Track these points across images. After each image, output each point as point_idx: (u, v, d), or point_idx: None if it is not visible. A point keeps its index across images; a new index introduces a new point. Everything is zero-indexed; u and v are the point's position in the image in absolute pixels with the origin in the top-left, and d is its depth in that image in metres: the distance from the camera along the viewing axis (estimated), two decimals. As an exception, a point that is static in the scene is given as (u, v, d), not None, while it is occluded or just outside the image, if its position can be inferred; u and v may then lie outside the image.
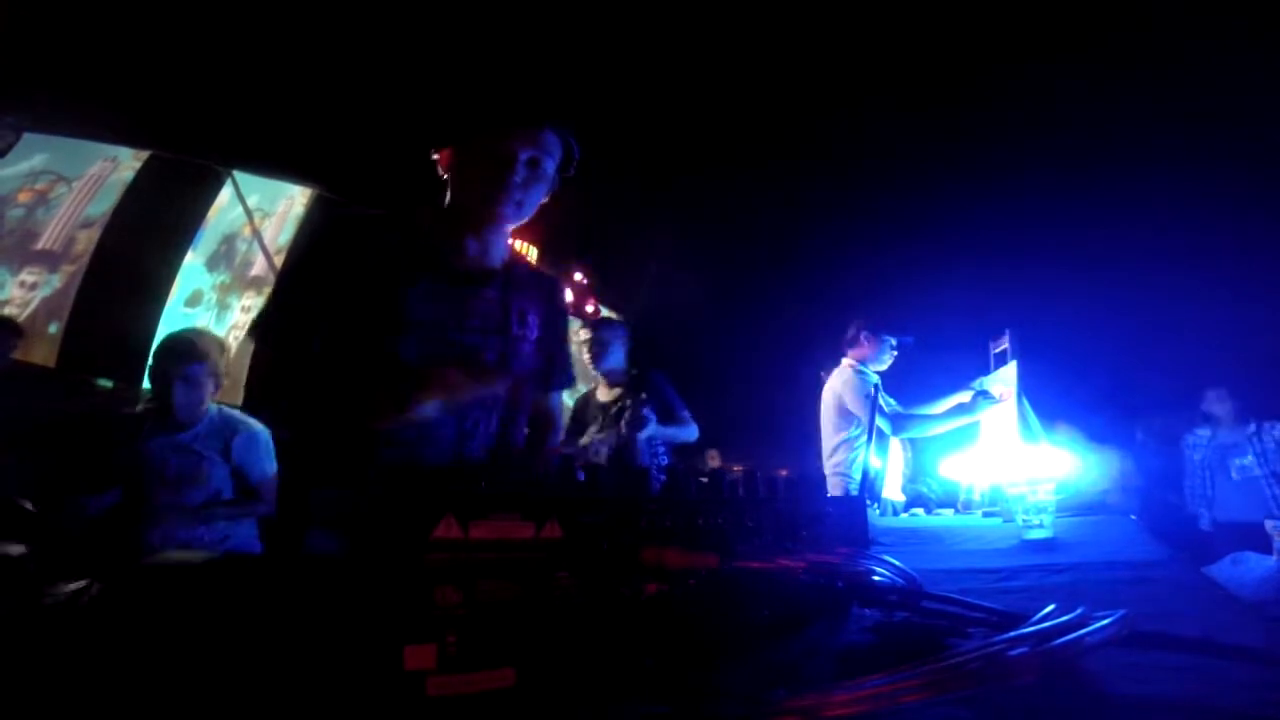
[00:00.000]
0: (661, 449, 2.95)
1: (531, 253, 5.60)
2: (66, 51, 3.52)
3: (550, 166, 1.33)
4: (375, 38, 3.94)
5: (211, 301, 5.62)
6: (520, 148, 1.28)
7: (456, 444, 1.30)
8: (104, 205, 5.03)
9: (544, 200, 1.37)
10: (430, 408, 1.18)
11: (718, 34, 4.02)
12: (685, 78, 4.27)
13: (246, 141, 4.67)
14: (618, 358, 3.04)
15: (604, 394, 3.05)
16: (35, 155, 4.83)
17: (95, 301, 4.70)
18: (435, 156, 1.35)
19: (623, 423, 2.79)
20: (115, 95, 3.90)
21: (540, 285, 1.47)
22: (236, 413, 2.41)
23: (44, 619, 0.72)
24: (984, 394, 2.79)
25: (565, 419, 2.77)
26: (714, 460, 5.51)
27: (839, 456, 2.99)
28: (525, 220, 1.36)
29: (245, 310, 5.92)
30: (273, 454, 2.39)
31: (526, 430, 1.46)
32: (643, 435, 2.81)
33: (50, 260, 4.95)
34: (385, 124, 4.19)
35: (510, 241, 1.48)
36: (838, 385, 3.05)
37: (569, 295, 5.95)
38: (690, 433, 3.00)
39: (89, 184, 5.06)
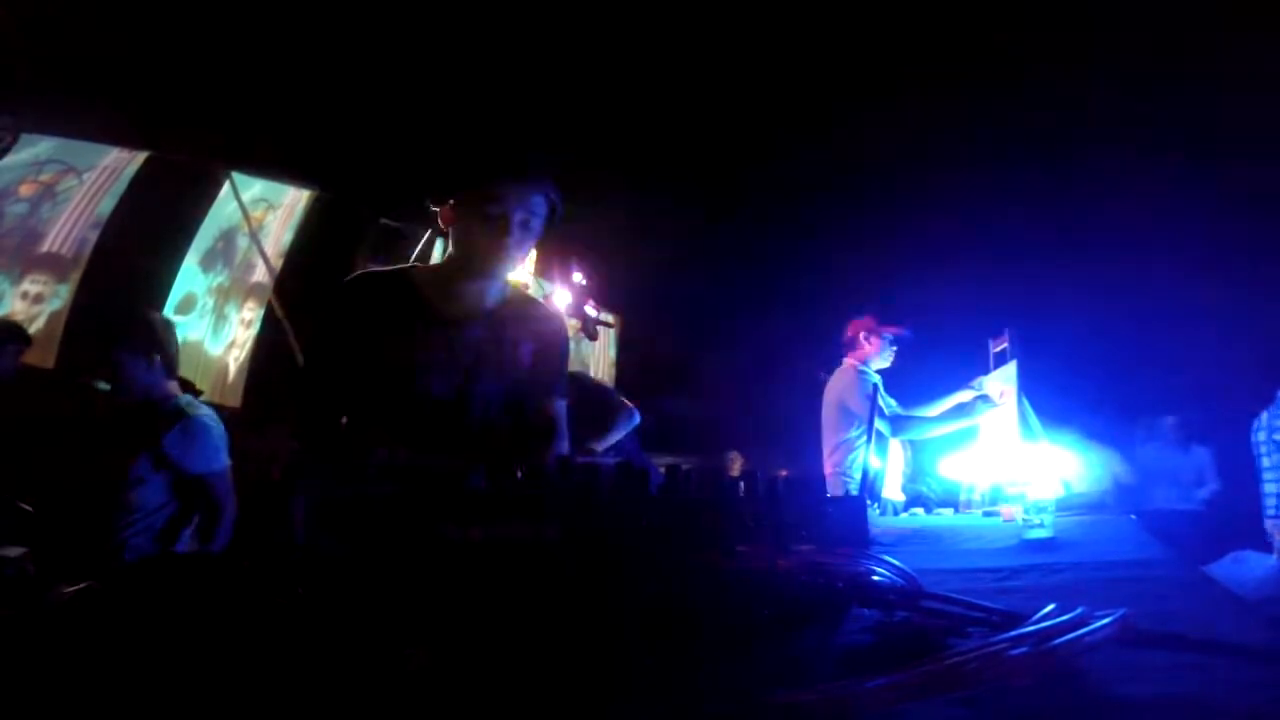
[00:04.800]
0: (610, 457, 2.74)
1: (530, 254, 5.53)
2: (66, 51, 3.52)
3: (539, 224, 1.50)
4: (372, 39, 3.94)
5: (207, 308, 4.98)
6: (513, 211, 1.45)
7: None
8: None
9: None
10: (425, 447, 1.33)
11: (716, 31, 4.02)
12: (685, 77, 4.27)
13: (245, 142, 4.61)
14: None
15: None
16: (40, 142, 4.11)
17: (93, 302, 4.44)
18: (435, 210, 1.53)
19: None
20: (114, 96, 3.87)
21: (532, 318, 1.63)
22: (183, 400, 2.27)
23: (44, 619, 0.72)
24: (984, 398, 2.80)
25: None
26: (735, 463, 5.43)
27: (839, 456, 3.00)
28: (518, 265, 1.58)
29: (246, 324, 5.20)
30: (220, 447, 2.26)
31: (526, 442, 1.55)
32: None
33: (58, 266, 4.27)
34: (384, 125, 4.19)
35: (506, 282, 1.63)
36: (839, 386, 3.07)
37: (568, 296, 5.93)
38: (633, 418, 2.75)
39: (103, 176, 4.40)
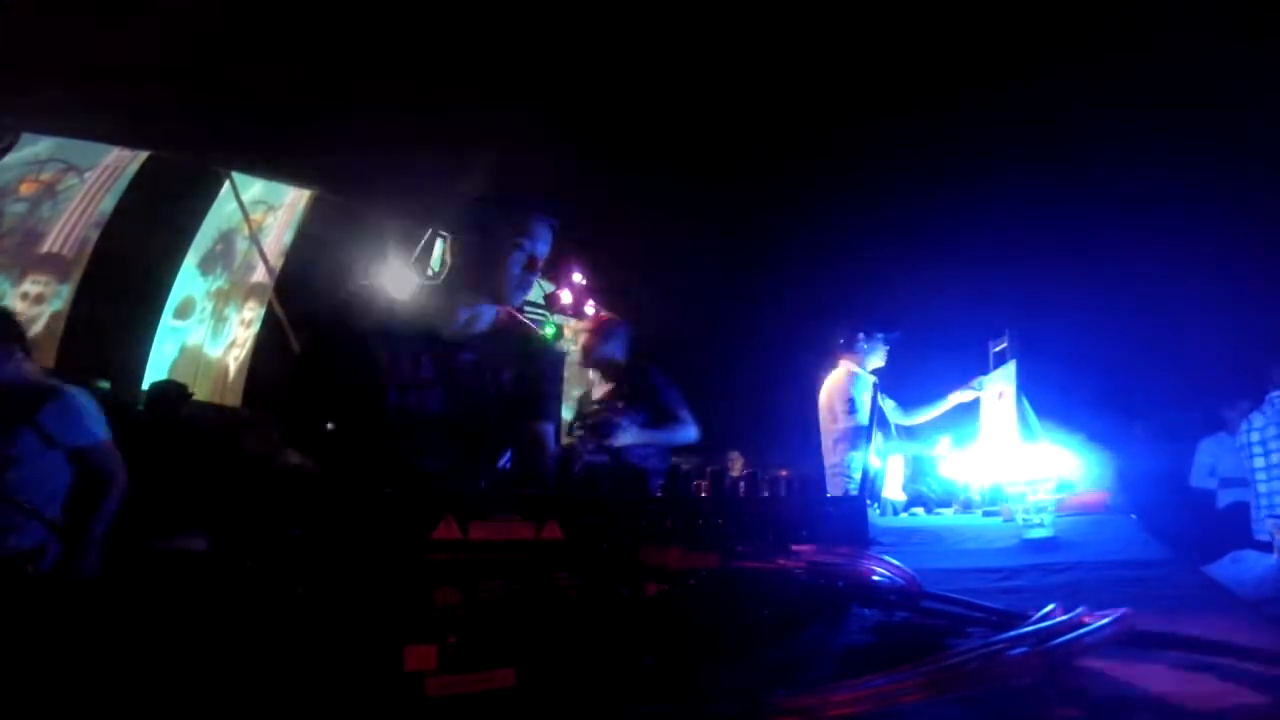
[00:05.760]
0: (651, 452, 2.74)
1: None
2: (66, 51, 3.51)
3: (543, 252, 1.56)
4: (373, 38, 3.94)
5: (206, 312, 4.88)
6: (530, 244, 1.52)
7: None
8: (122, 200, 4.27)
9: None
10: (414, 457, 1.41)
11: (713, 32, 4.02)
12: (686, 81, 4.27)
13: (246, 142, 4.59)
14: (612, 349, 2.89)
15: (598, 391, 2.93)
16: (40, 141, 3.96)
17: (93, 302, 4.38)
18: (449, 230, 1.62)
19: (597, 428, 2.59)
20: (115, 95, 3.86)
21: (523, 347, 1.68)
22: (52, 381, 2.29)
23: (43, 617, 0.72)
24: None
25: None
26: (735, 463, 5.43)
27: (836, 457, 3.02)
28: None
29: (245, 324, 5.11)
30: (99, 420, 2.27)
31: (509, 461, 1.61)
32: (618, 442, 2.61)
33: (59, 266, 4.15)
34: (385, 125, 4.19)
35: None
36: (833, 387, 3.10)
37: (568, 297, 5.94)
38: (687, 434, 2.82)
39: (105, 175, 4.27)
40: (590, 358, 2.92)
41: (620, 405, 2.70)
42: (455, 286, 1.56)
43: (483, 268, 1.53)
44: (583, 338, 2.95)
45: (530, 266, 1.54)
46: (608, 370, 2.91)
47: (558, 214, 1.58)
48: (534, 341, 1.76)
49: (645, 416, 2.69)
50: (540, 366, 1.68)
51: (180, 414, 3.55)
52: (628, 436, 2.61)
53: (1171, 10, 3.54)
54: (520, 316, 1.77)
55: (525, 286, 1.57)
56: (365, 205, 4.89)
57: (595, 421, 2.59)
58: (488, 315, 1.60)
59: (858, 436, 2.95)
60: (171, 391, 3.63)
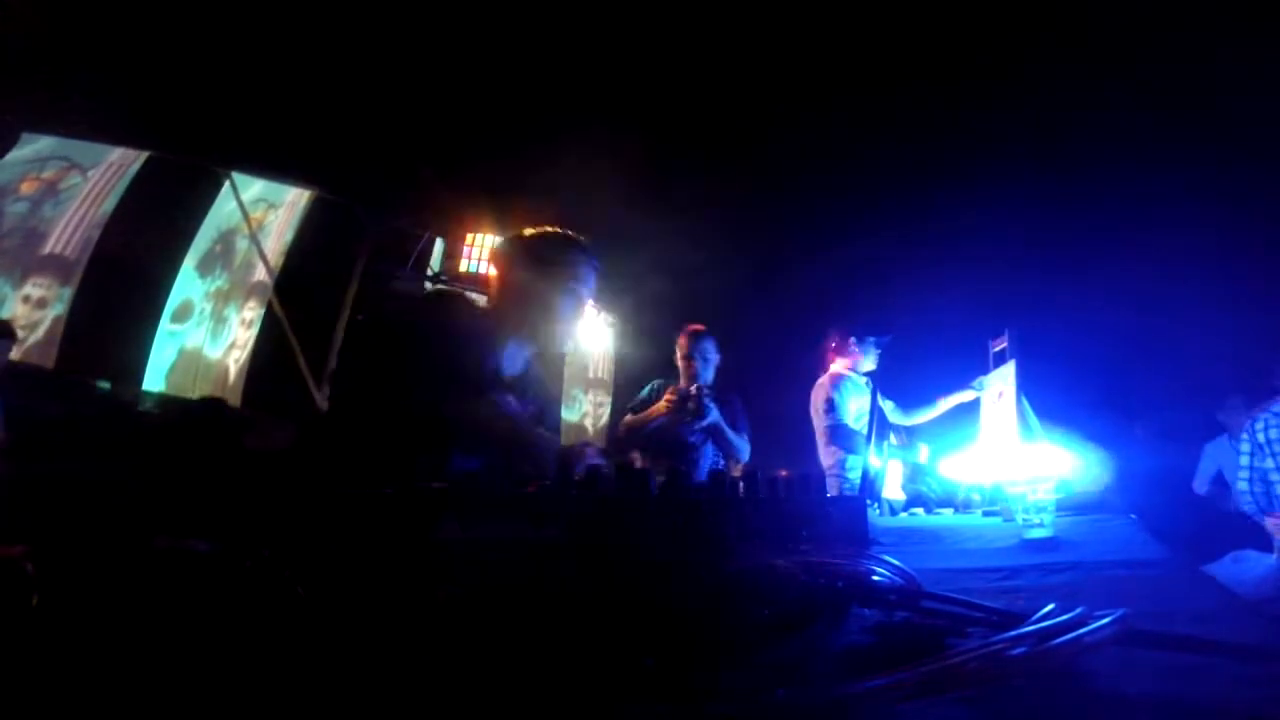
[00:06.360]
0: (721, 454, 2.97)
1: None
2: (66, 51, 3.51)
3: (588, 296, 1.57)
4: (374, 39, 3.93)
5: (205, 313, 4.77)
6: (569, 294, 1.53)
7: None
8: (127, 200, 4.20)
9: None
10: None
11: (717, 33, 4.02)
12: (685, 79, 4.27)
13: (246, 142, 4.58)
14: (707, 373, 3.04)
15: (684, 382, 3.04)
16: (41, 138, 3.84)
17: (93, 302, 4.35)
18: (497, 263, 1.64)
19: (686, 409, 2.84)
20: (114, 95, 3.85)
21: (546, 371, 1.72)
22: None
23: (43, 619, 0.72)
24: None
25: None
26: (736, 463, 5.44)
27: (829, 458, 3.05)
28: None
29: (246, 324, 4.97)
30: None
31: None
32: (708, 420, 2.84)
33: (61, 269, 4.03)
34: (385, 125, 4.19)
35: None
36: (819, 388, 3.14)
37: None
38: (744, 449, 3.03)
39: (109, 173, 4.16)
40: (689, 379, 3.02)
41: (708, 392, 2.94)
42: (504, 321, 1.55)
43: (535, 310, 1.53)
44: (681, 363, 3.01)
45: (578, 309, 1.56)
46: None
47: (600, 254, 1.60)
48: (552, 365, 1.85)
49: (726, 415, 2.94)
50: (550, 385, 1.75)
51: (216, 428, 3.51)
52: (710, 418, 2.86)
53: (1171, 10, 3.54)
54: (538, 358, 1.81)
55: (573, 331, 1.59)
56: (365, 206, 4.89)
57: (693, 405, 2.85)
58: (528, 353, 1.61)
59: (838, 436, 3.00)
60: (204, 410, 3.61)
